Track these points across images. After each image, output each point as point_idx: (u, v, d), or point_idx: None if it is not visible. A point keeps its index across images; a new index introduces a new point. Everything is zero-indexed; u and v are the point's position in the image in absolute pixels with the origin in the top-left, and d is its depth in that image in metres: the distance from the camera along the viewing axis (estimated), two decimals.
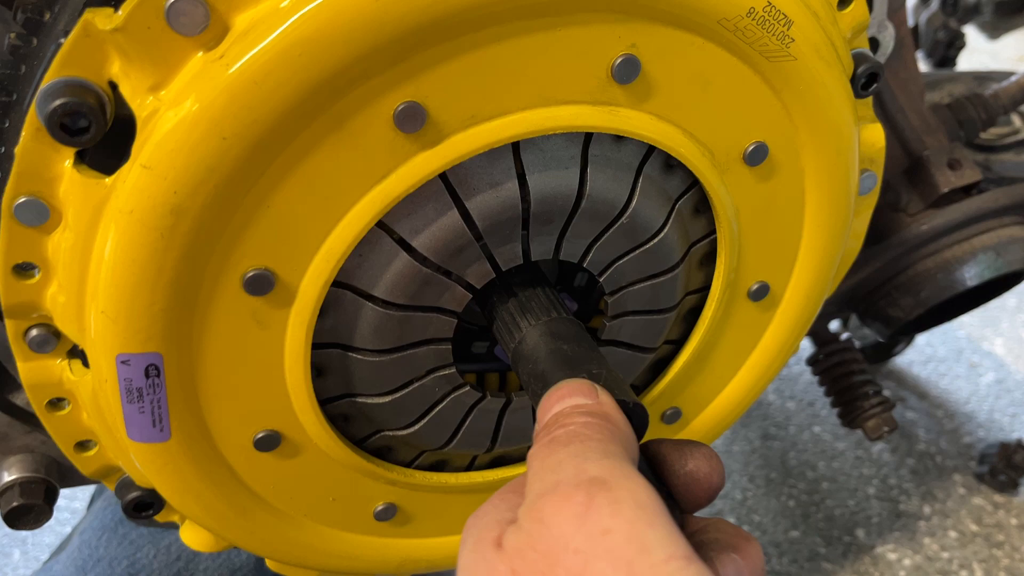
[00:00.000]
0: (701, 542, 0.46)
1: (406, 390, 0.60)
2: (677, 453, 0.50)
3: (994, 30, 1.67)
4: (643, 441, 0.51)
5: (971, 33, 1.61)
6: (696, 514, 0.51)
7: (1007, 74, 1.16)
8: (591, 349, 0.56)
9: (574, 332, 0.57)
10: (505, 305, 0.59)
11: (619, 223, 0.58)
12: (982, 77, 1.22)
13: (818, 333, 0.98)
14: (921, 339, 1.68)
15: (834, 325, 1.50)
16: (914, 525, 1.36)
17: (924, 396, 1.58)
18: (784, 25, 0.53)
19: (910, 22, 1.52)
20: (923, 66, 1.53)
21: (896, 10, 0.95)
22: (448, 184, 0.53)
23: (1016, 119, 1.12)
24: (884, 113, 0.93)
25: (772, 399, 1.60)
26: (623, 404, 0.49)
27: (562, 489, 0.40)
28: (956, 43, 1.44)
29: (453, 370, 0.60)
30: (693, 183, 0.60)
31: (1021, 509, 1.37)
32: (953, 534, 1.35)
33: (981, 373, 1.62)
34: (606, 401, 0.48)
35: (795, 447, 1.50)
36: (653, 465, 0.50)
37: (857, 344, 1.54)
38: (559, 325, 0.57)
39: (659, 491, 0.42)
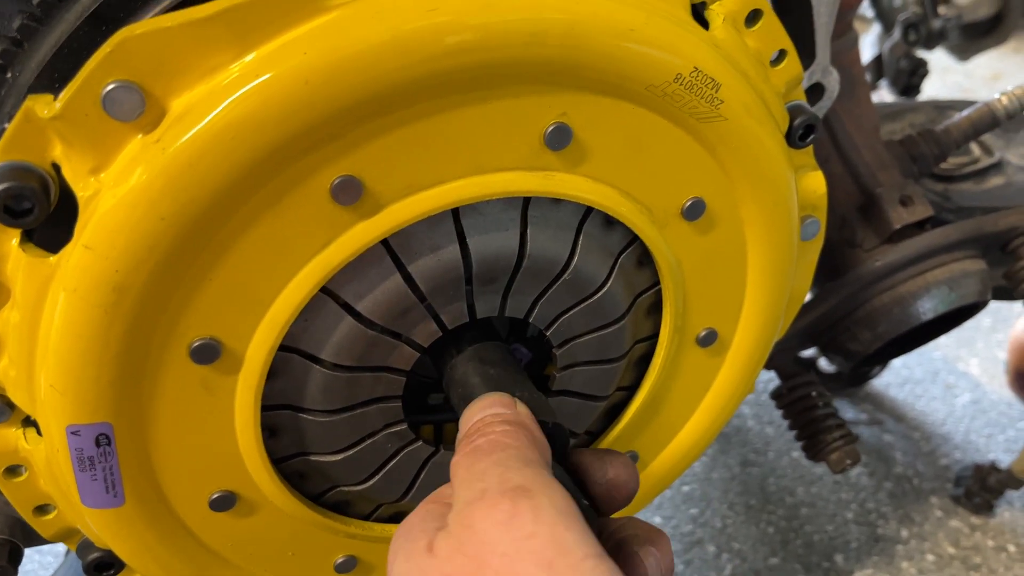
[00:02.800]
0: (622, 539, 0.50)
1: (358, 447, 0.61)
2: (598, 463, 0.54)
3: (963, 53, 1.70)
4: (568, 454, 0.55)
5: (944, 53, 1.64)
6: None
7: (968, 103, 1.18)
8: (516, 372, 0.59)
9: (501, 357, 0.60)
10: (454, 360, 0.61)
11: (562, 279, 0.60)
12: (943, 107, 1.24)
13: (781, 368, 0.99)
14: (897, 361, 1.69)
15: (809, 352, 1.51)
16: (892, 549, 1.36)
17: (901, 418, 1.59)
18: (712, 88, 0.55)
19: (874, 51, 1.54)
20: (888, 95, 1.56)
21: (847, 50, 0.97)
22: (390, 249, 0.54)
23: (975, 148, 1.15)
24: (838, 150, 0.95)
25: (751, 425, 1.61)
26: (543, 424, 0.53)
27: (489, 497, 0.44)
28: (919, 71, 1.47)
29: (404, 426, 0.61)
30: (634, 238, 0.61)
31: (998, 531, 1.38)
32: (931, 557, 1.35)
33: (957, 394, 1.63)
34: (523, 411, 0.53)
35: (774, 473, 1.51)
36: (576, 473, 0.55)
37: (834, 369, 1.55)
38: (487, 351, 0.60)
39: (578, 497, 0.49)
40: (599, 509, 0.54)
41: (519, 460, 0.47)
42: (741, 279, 0.67)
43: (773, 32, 0.60)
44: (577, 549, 0.41)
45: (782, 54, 0.62)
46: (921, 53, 1.53)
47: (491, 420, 0.51)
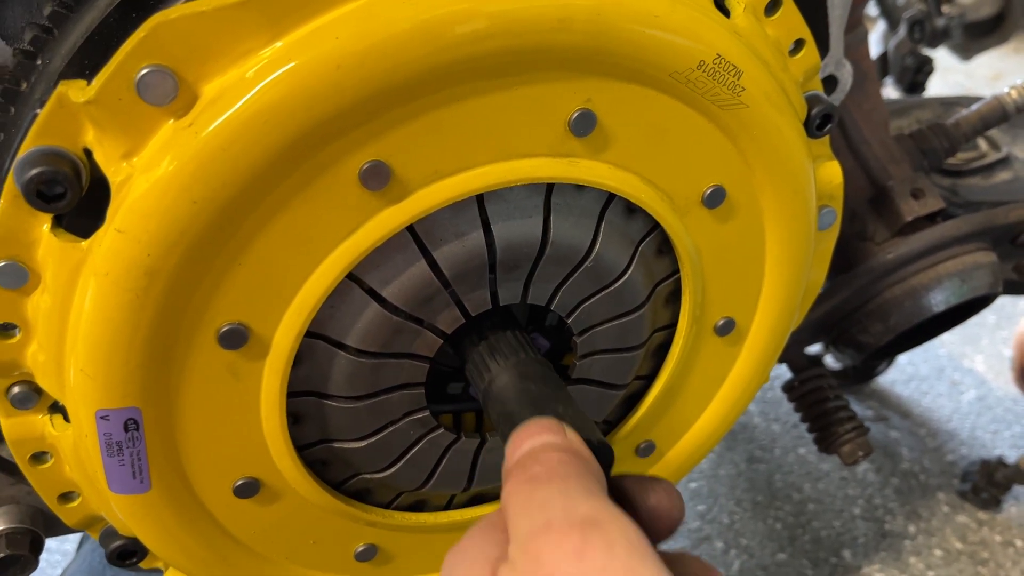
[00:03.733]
0: None
1: (381, 434, 0.61)
2: (640, 488, 0.52)
3: (965, 52, 1.71)
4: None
5: (946, 53, 1.65)
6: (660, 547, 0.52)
7: (974, 99, 1.19)
8: (557, 389, 0.57)
9: (541, 372, 0.59)
10: (476, 348, 0.61)
11: (584, 267, 0.60)
12: (949, 103, 1.24)
13: (793, 360, 1.00)
14: (903, 358, 1.70)
15: (815, 348, 1.52)
16: (899, 545, 1.37)
17: (907, 415, 1.60)
18: (734, 75, 0.55)
19: (880, 49, 1.55)
20: (893, 92, 1.56)
21: (858, 45, 0.97)
22: (415, 236, 0.55)
23: (983, 143, 1.15)
24: (849, 144, 0.95)
25: (757, 422, 1.61)
26: (588, 443, 0.50)
27: (556, 528, 0.42)
28: (924, 68, 1.48)
29: (427, 413, 0.62)
30: (655, 226, 0.62)
31: (1005, 526, 1.39)
32: (938, 552, 1.36)
33: (962, 391, 1.64)
34: (574, 438, 0.50)
35: (781, 469, 1.52)
36: (617, 501, 0.51)
37: (840, 365, 1.56)
38: (527, 366, 0.59)
39: None
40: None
41: (582, 490, 0.45)
42: (759, 268, 0.67)
43: (792, 21, 0.61)
44: None
45: (800, 43, 0.62)
46: (925, 51, 1.54)
47: (542, 448, 0.49)
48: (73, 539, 1.42)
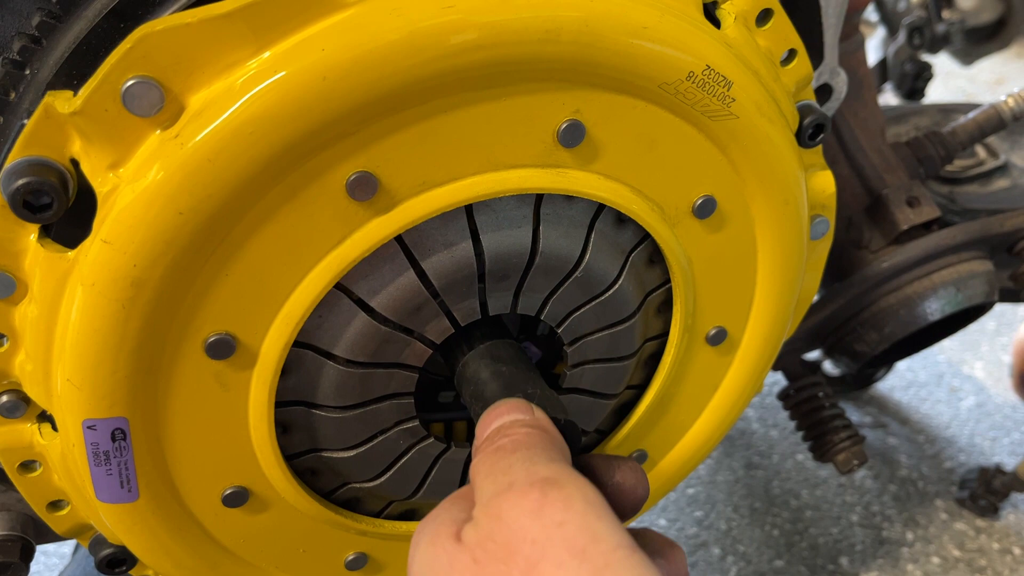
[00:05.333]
0: None
1: (371, 444, 0.61)
2: (605, 466, 0.54)
3: (966, 57, 1.71)
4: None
5: (947, 58, 1.65)
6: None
7: (972, 106, 1.19)
8: (528, 370, 0.59)
9: (512, 354, 0.60)
10: (465, 357, 0.61)
11: (573, 277, 0.60)
12: (948, 110, 1.24)
13: (788, 368, 1.00)
14: (902, 364, 1.69)
15: (813, 355, 1.52)
16: (897, 552, 1.37)
17: (905, 421, 1.59)
18: (724, 86, 0.55)
19: (879, 55, 1.55)
20: (892, 99, 1.56)
21: (854, 52, 0.97)
22: (404, 246, 0.55)
23: (981, 151, 1.15)
24: (845, 152, 0.95)
25: (755, 428, 1.61)
26: (556, 421, 0.53)
27: (517, 488, 0.44)
28: (924, 75, 1.47)
29: (416, 423, 0.62)
30: (645, 236, 0.62)
31: (1003, 533, 1.38)
32: (936, 560, 1.35)
33: (961, 397, 1.63)
34: (541, 416, 0.53)
35: (778, 475, 1.51)
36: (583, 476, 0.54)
37: (838, 372, 1.56)
38: (499, 349, 0.60)
39: None
40: None
41: (544, 457, 0.47)
42: (751, 277, 0.67)
43: (783, 31, 0.61)
44: (609, 538, 0.41)
45: (792, 53, 0.62)
46: (925, 57, 1.53)
47: (510, 424, 0.51)
48: (70, 542, 1.42)
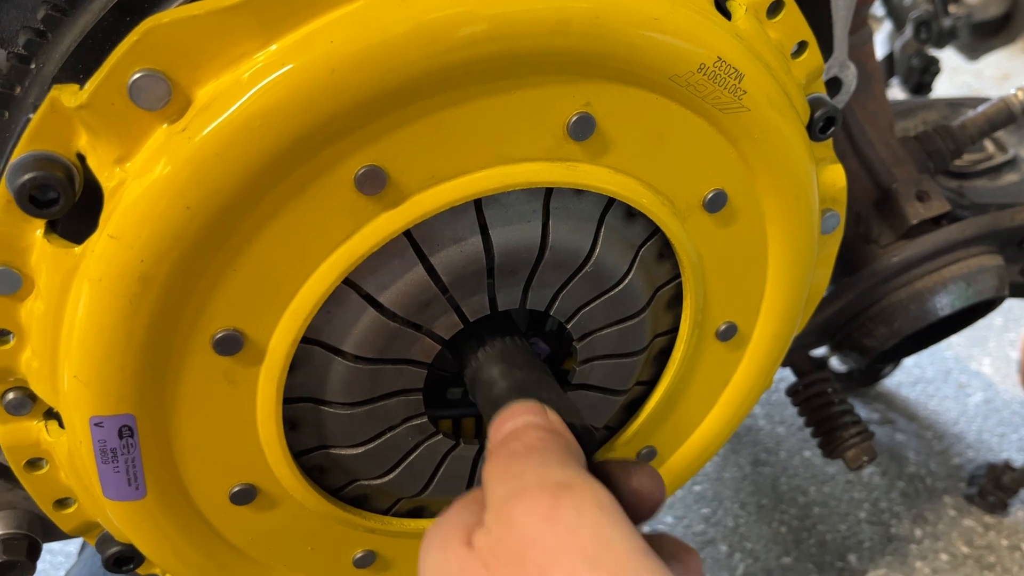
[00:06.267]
0: None
1: (379, 440, 0.61)
2: (622, 471, 0.53)
3: (972, 52, 1.70)
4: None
5: (953, 53, 1.64)
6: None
7: (980, 100, 1.18)
8: (543, 374, 0.58)
9: (527, 359, 0.59)
10: (475, 353, 0.61)
11: (583, 272, 0.60)
12: (955, 104, 1.23)
13: (797, 364, 0.99)
14: (909, 361, 1.69)
15: (821, 351, 1.51)
16: (905, 549, 1.36)
17: (913, 418, 1.59)
18: (735, 78, 0.55)
19: (886, 49, 1.54)
20: (899, 93, 1.55)
21: (862, 46, 0.97)
22: (413, 241, 0.54)
23: (989, 145, 1.14)
24: (853, 146, 0.95)
25: (762, 424, 1.60)
26: (571, 427, 0.52)
27: (529, 493, 0.43)
28: (931, 69, 1.47)
29: (425, 419, 0.61)
30: (655, 230, 0.61)
31: (1012, 530, 1.38)
32: (944, 557, 1.35)
33: (969, 393, 1.63)
34: (555, 419, 0.52)
35: (786, 472, 1.51)
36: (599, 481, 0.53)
37: (846, 368, 1.55)
38: (513, 353, 0.59)
39: None
40: None
41: (557, 461, 0.46)
42: (761, 272, 0.66)
43: (794, 23, 0.60)
44: (622, 543, 0.41)
45: (803, 46, 0.62)
46: (932, 52, 1.52)
47: (524, 427, 0.50)
48: (77, 541, 1.42)
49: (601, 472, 0.53)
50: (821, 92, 0.65)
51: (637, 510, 0.52)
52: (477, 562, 0.42)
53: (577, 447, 0.50)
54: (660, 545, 0.49)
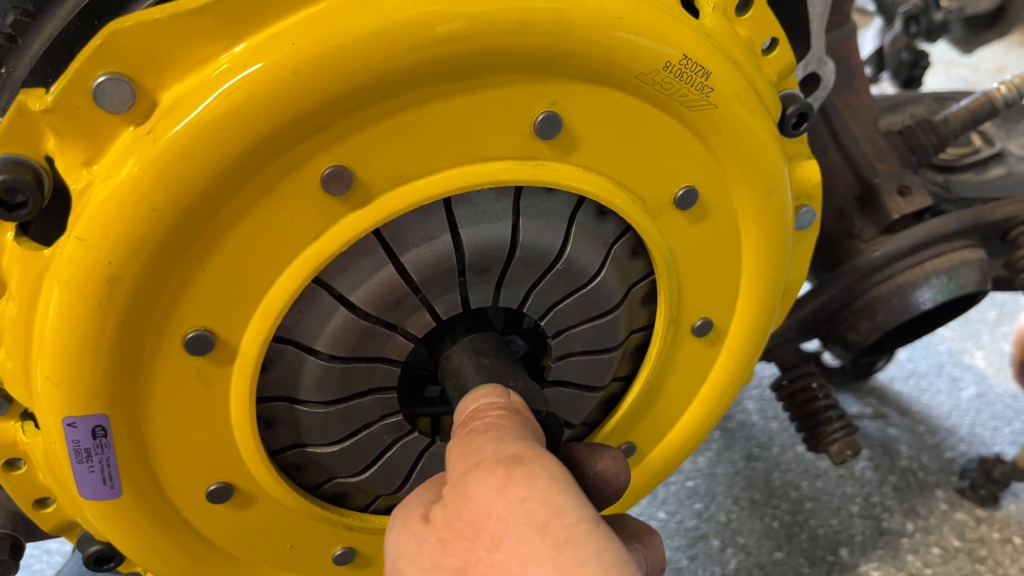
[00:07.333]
0: None
1: (355, 439, 0.61)
2: (588, 454, 0.54)
3: (966, 45, 1.70)
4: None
5: (949, 47, 1.64)
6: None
7: (967, 94, 1.18)
8: (511, 362, 0.59)
9: (495, 348, 0.60)
10: (449, 351, 0.61)
11: (555, 270, 0.60)
12: (943, 98, 1.23)
13: (781, 359, 0.99)
14: (902, 354, 1.69)
15: (811, 345, 1.51)
16: (897, 543, 1.36)
17: (906, 412, 1.59)
18: (702, 76, 0.55)
19: (876, 44, 1.54)
20: (889, 88, 1.55)
21: (845, 41, 0.97)
22: (382, 240, 0.55)
23: (976, 139, 1.14)
24: (836, 141, 0.95)
25: (755, 420, 1.60)
26: (537, 413, 0.53)
27: (483, 466, 0.45)
28: (920, 63, 1.46)
29: (400, 417, 0.62)
30: (627, 228, 0.62)
31: (1003, 523, 1.38)
32: (936, 551, 1.35)
33: (962, 387, 1.63)
34: (516, 400, 0.53)
35: (779, 467, 1.51)
36: (566, 465, 0.54)
37: (837, 363, 1.55)
38: (482, 342, 0.60)
39: None
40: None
41: (513, 436, 0.48)
42: (736, 268, 0.67)
43: (764, 20, 0.60)
44: (572, 513, 0.42)
45: (774, 42, 0.62)
46: (924, 46, 1.52)
47: (485, 407, 0.52)
48: None
49: (567, 456, 0.54)
50: (794, 88, 0.65)
51: (603, 492, 0.53)
52: (434, 536, 0.44)
53: (536, 425, 0.52)
54: (622, 526, 0.51)
